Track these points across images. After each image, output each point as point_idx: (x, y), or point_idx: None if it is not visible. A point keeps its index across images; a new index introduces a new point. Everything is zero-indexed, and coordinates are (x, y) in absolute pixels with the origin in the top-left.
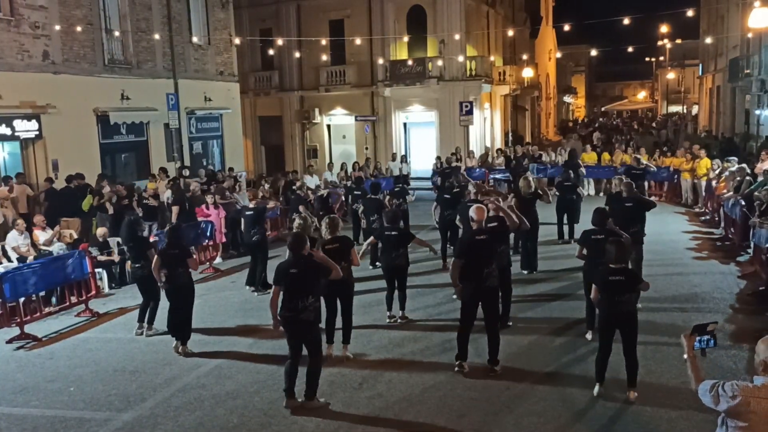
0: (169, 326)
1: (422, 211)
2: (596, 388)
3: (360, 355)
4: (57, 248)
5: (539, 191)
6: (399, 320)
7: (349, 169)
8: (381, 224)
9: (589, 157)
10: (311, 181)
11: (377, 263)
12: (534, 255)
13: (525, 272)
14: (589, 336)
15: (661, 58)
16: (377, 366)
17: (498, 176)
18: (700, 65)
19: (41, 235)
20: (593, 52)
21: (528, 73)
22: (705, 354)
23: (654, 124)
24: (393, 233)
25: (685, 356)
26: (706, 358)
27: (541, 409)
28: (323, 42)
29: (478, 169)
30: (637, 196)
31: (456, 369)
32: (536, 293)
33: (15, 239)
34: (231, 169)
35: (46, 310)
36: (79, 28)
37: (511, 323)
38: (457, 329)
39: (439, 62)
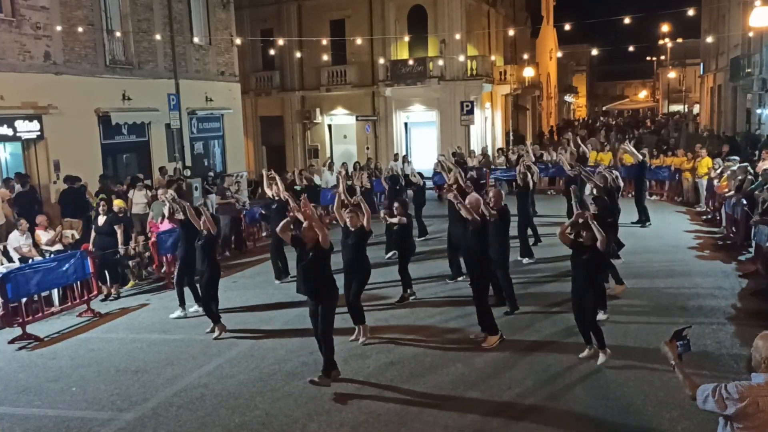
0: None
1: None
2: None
3: (361, 355)
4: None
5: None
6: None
7: (350, 169)
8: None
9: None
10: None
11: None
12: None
13: (524, 260)
14: (584, 354)
15: (662, 58)
16: (378, 365)
17: (500, 176)
18: (701, 64)
19: (43, 236)
20: (594, 52)
21: (529, 72)
22: (681, 359)
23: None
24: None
25: (672, 362)
26: (687, 359)
27: (543, 408)
28: (324, 42)
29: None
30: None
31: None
32: (538, 292)
33: (17, 240)
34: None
35: (48, 310)
36: (80, 29)
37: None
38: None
39: (440, 62)
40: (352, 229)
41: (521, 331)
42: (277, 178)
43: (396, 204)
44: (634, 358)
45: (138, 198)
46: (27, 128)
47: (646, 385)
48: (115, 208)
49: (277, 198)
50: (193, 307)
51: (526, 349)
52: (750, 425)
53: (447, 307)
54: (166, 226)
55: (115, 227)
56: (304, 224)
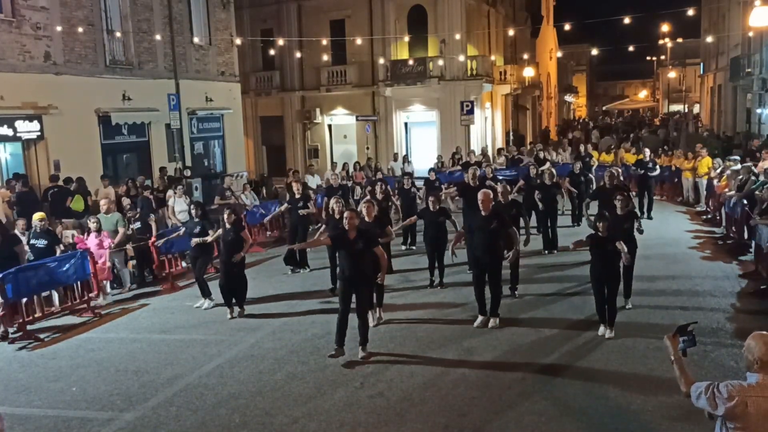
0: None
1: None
2: (600, 329)
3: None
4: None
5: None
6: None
7: (351, 169)
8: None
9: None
10: (312, 181)
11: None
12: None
13: (546, 252)
14: (601, 332)
15: (663, 57)
16: (378, 365)
17: (499, 176)
18: (702, 64)
19: None
20: (594, 52)
21: (529, 72)
22: (686, 354)
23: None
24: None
25: (672, 358)
26: (687, 358)
27: (542, 408)
28: (324, 42)
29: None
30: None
31: (476, 325)
32: (541, 292)
33: None
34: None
35: (48, 310)
36: (80, 29)
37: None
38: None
39: (440, 62)
40: (369, 221)
41: (516, 322)
42: (295, 185)
43: (431, 198)
44: (633, 357)
45: (180, 205)
46: (27, 128)
47: (645, 385)
48: (36, 223)
49: (298, 196)
50: (206, 303)
51: (520, 348)
52: (741, 426)
53: (446, 297)
54: (93, 241)
55: (15, 249)
56: (346, 214)
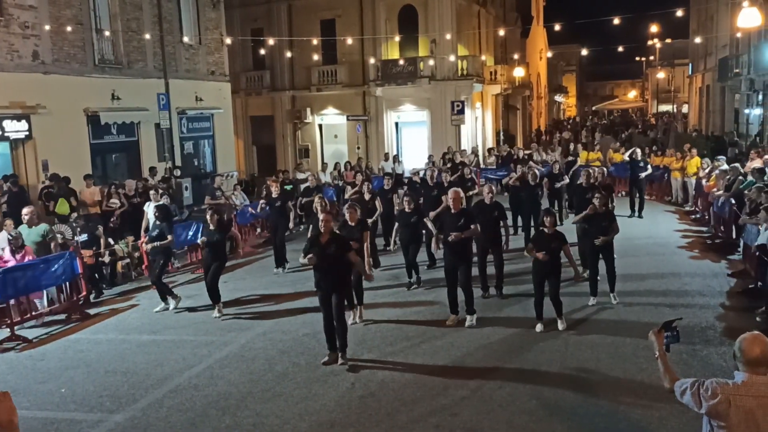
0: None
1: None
2: (537, 326)
3: (352, 355)
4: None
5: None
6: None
7: (342, 169)
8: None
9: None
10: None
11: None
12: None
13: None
14: (538, 328)
15: (651, 58)
16: (370, 366)
17: (490, 176)
18: (690, 65)
19: None
20: (584, 52)
21: (519, 72)
22: (669, 349)
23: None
24: None
25: (657, 353)
26: (677, 357)
27: (533, 408)
28: (315, 42)
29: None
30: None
31: (447, 323)
32: (527, 291)
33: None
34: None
35: (37, 311)
36: (69, 28)
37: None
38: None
39: (431, 62)
40: (352, 224)
41: (505, 322)
42: (273, 185)
43: (407, 198)
44: (623, 356)
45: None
46: (15, 128)
47: (635, 384)
48: None
49: (276, 197)
50: (171, 304)
51: (510, 348)
52: (724, 425)
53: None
54: (12, 260)
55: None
56: (321, 217)
